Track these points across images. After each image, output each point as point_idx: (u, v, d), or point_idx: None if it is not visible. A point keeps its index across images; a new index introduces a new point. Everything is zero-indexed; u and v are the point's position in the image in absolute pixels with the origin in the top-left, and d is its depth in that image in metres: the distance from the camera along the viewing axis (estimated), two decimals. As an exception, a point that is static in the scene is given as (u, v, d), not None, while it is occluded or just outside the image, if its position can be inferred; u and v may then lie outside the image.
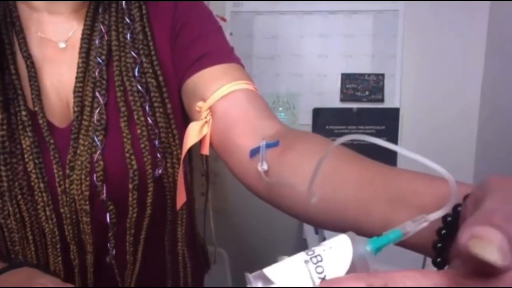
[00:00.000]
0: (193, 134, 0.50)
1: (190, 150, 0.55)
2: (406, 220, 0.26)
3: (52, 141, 0.49)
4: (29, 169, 0.48)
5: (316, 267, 0.22)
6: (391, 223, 0.33)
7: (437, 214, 0.24)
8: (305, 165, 0.42)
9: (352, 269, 0.22)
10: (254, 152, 0.46)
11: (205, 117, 0.51)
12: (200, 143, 0.52)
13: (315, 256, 0.22)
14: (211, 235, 0.68)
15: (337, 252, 0.22)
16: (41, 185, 0.49)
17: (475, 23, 1.24)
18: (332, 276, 0.22)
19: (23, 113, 0.49)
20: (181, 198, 0.53)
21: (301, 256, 0.23)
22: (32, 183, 0.48)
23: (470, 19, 1.23)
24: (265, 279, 0.23)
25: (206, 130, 0.51)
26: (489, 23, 1.23)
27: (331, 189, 0.38)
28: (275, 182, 0.43)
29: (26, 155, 0.48)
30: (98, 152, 0.50)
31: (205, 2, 0.62)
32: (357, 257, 0.22)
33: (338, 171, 0.39)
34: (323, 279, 0.22)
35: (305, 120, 1.31)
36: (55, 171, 0.49)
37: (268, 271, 0.23)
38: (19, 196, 0.48)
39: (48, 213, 0.49)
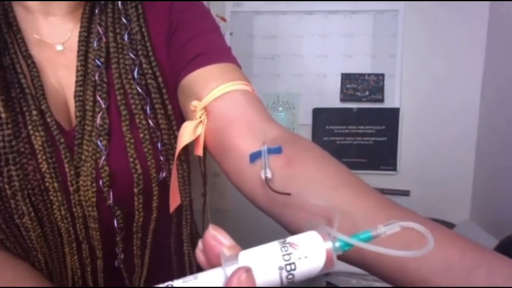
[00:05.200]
0: (186, 133, 0.48)
1: (188, 150, 0.55)
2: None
3: (62, 140, 0.48)
4: (43, 169, 0.47)
5: (288, 275, 0.24)
6: None
7: (409, 224, 0.25)
8: (315, 185, 0.39)
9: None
10: (255, 156, 0.43)
11: (200, 117, 0.48)
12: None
13: (290, 264, 0.24)
14: None
15: (310, 262, 0.24)
16: (55, 184, 0.47)
17: (475, 23, 1.24)
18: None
19: (34, 112, 0.47)
20: (174, 201, 0.51)
21: (277, 260, 0.24)
22: (47, 183, 0.47)
23: (470, 19, 1.24)
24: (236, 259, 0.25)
25: (200, 130, 0.48)
26: (489, 23, 1.23)
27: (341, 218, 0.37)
28: (279, 195, 0.39)
29: (39, 155, 0.47)
30: (103, 157, 0.48)
31: (205, 2, 0.61)
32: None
33: (352, 203, 0.37)
34: (291, 281, 0.24)
35: (305, 120, 1.31)
36: (66, 170, 0.48)
37: (243, 255, 0.25)
38: (34, 197, 0.47)
39: (63, 212, 0.48)
